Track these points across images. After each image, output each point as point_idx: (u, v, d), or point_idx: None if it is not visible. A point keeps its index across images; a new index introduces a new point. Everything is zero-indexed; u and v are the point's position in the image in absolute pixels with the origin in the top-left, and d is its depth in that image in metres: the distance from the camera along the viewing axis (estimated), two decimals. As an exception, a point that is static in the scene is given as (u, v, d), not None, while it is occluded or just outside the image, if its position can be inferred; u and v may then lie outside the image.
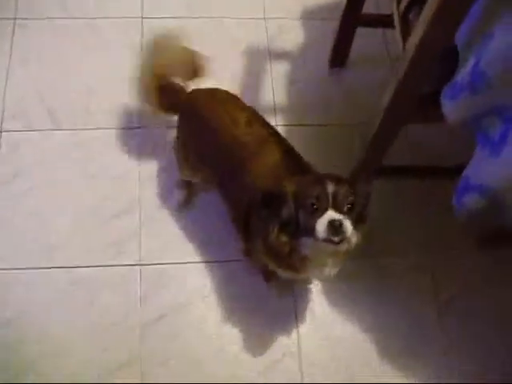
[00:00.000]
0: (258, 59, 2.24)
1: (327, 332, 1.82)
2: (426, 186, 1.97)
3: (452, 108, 1.27)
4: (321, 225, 1.27)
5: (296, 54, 2.26)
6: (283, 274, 1.56)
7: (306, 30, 2.32)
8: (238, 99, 1.68)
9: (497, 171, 1.24)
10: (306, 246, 1.35)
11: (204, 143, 1.63)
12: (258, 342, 1.79)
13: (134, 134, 2.06)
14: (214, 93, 1.68)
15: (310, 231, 1.29)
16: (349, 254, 1.43)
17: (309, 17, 2.35)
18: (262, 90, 2.16)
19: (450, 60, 1.28)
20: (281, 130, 2.05)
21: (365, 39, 2.16)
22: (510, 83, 1.11)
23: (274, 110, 2.13)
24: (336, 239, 1.27)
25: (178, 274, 1.86)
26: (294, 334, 1.80)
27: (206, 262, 1.88)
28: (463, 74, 1.21)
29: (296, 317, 1.82)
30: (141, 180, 1.98)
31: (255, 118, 1.62)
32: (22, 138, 2.03)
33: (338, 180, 1.32)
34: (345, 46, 2.12)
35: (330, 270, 1.46)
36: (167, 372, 1.73)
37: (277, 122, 2.10)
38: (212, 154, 1.62)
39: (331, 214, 1.27)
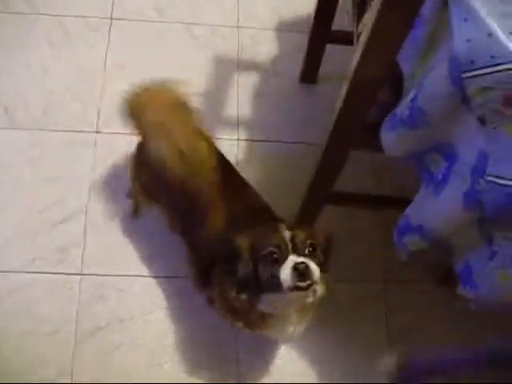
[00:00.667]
0: (226, 68, 2.16)
1: (270, 361, 1.75)
2: (382, 213, 1.89)
3: (391, 141, 1.20)
4: (285, 272, 1.18)
5: (267, 67, 2.19)
6: (243, 329, 1.50)
7: (281, 42, 2.24)
8: (209, 142, 1.58)
9: (436, 212, 1.17)
10: (268, 302, 1.28)
11: (164, 184, 1.53)
12: (197, 365, 1.72)
13: (91, 139, 2.00)
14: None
15: (275, 283, 1.20)
16: (314, 311, 1.39)
17: (284, 29, 2.27)
18: (226, 101, 2.09)
19: (398, 90, 1.22)
20: (242, 144, 2.01)
21: (338, 56, 2.08)
22: (448, 121, 1.04)
23: (237, 122, 2.06)
24: (304, 284, 1.18)
25: (120, 287, 1.79)
26: (234, 362, 1.73)
27: (150, 276, 1.82)
28: (403, 106, 1.13)
29: (238, 344, 1.75)
30: (92, 186, 1.92)
31: (220, 164, 1.53)
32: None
33: (293, 225, 1.27)
34: (315, 62, 2.04)
35: (295, 329, 1.39)
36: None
37: (239, 137, 2.03)
38: (172, 196, 1.53)
39: (293, 259, 1.19)
